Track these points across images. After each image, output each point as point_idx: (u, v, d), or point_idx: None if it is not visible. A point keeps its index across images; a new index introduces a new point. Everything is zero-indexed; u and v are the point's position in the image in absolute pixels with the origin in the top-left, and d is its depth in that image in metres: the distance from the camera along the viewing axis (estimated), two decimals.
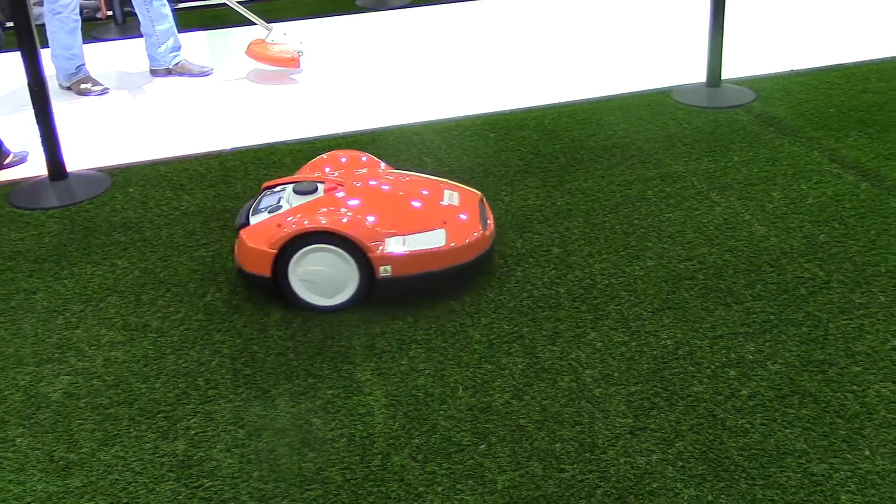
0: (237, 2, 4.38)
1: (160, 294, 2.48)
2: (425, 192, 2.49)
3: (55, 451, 1.91)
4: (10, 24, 3.22)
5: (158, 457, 1.88)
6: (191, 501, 1.77)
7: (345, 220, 2.29)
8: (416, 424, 1.94)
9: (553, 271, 2.49)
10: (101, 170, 3.28)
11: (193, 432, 1.95)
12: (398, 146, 3.37)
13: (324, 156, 2.73)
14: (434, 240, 2.33)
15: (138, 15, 4.26)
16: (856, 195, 2.82)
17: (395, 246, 2.30)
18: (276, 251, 2.28)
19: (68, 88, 4.15)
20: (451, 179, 2.66)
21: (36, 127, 3.08)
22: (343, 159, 2.69)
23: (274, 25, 4.39)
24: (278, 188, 2.54)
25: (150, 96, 4.14)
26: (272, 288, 2.34)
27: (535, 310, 2.32)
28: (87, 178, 3.20)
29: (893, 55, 4.07)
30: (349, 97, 3.98)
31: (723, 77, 3.72)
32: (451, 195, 2.49)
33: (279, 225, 2.31)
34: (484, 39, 4.77)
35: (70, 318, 2.39)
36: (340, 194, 2.42)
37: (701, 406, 1.95)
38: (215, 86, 4.23)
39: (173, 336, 2.29)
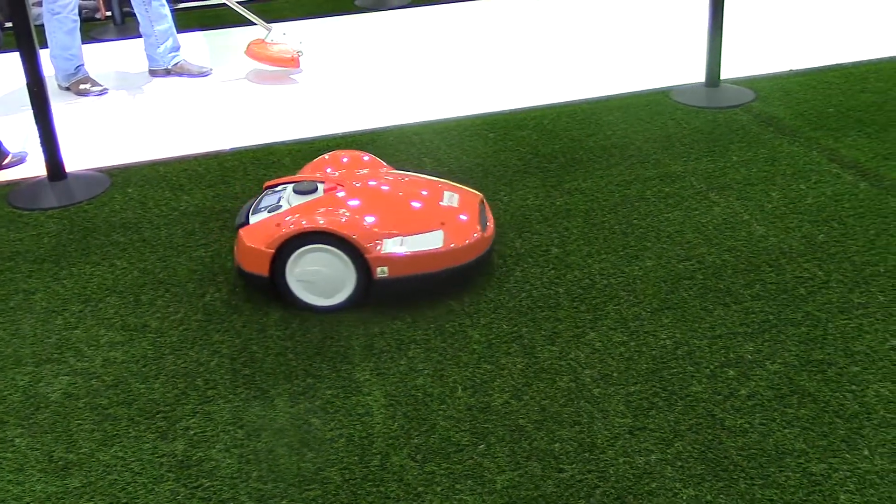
0: (237, 2, 4.38)
1: (159, 294, 2.48)
2: (425, 193, 2.49)
3: (54, 451, 1.91)
4: (9, 24, 3.22)
5: (157, 457, 1.88)
6: (190, 501, 1.77)
7: (342, 221, 2.29)
8: (415, 424, 1.94)
9: (552, 271, 2.49)
10: (100, 170, 3.28)
11: (192, 432, 1.95)
12: (397, 146, 3.37)
13: (326, 156, 2.73)
14: (432, 241, 2.33)
15: (137, 15, 4.26)
16: (854, 195, 2.82)
17: (393, 247, 2.30)
18: (273, 251, 2.28)
19: (67, 89, 4.15)
20: (450, 180, 2.66)
21: (35, 127, 3.08)
22: (345, 159, 2.68)
23: (273, 25, 4.39)
24: (279, 187, 2.54)
25: (149, 97, 4.14)
26: (270, 287, 2.34)
27: (534, 310, 2.32)
28: (86, 178, 3.20)
29: (892, 55, 4.08)
30: (348, 97, 3.98)
31: (722, 77, 3.72)
32: (452, 196, 2.49)
33: (277, 225, 2.31)
34: (483, 39, 4.77)
35: (69, 319, 2.39)
36: (340, 194, 2.42)
37: (700, 406, 1.95)
38: (214, 86, 4.23)
39: (172, 336, 2.29)
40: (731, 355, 2.11)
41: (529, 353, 2.15)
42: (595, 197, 2.90)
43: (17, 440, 1.95)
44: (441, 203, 2.44)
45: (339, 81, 4.19)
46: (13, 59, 3.17)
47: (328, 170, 2.62)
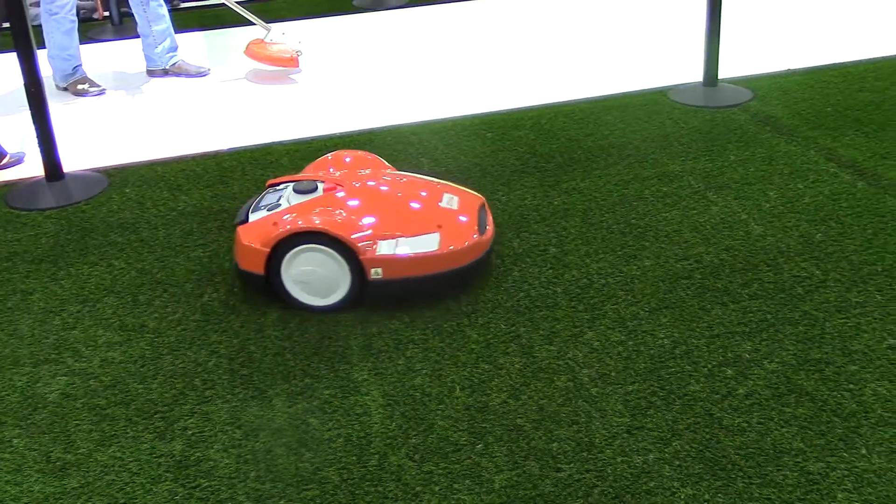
0: (236, 2, 4.38)
1: (157, 294, 2.47)
2: (424, 195, 2.48)
3: (52, 451, 1.91)
4: (7, 24, 3.21)
5: (155, 457, 1.88)
6: (188, 502, 1.76)
7: (337, 221, 2.28)
8: (413, 424, 1.94)
9: (550, 271, 2.49)
10: (97, 170, 3.28)
11: (190, 432, 1.95)
12: (395, 146, 3.37)
13: (328, 156, 2.73)
14: (428, 243, 2.31)
15: (135, 15, 4.26)
16: (852, 194, 2.83)
17: (388, 248, 2.29)
18: (269, 249, 2.28)
19: (65, 89, 4.15)
20: (448, 180, 2.66)
21: (32, 128, 3.08)
22: (347, 159, 2.68)
23: (272, 25, 4.39)
24: (281, 186, 2.54)
25: (147, 97, 4.14)
26: (266, 286, 2.34)
27: (532, 309, 2.32)
28: (83, 178, 3.20)
29: (889, 54, 4.08)
30: (347, 97, 3.98)
31: (719, 76, 3.72)
32: (451, 198, 2.48)
33: (274, 223, 2.31)
34: (481, 39, 4.77)
35: (67, 319, 2.39)
36: (339, 194, 2.41)
37: (698, 405, 1.95)
38: (213, 86, 4.23)
39: (170, 336, 2.29)
40: (729, 354, 2.11)
41: (527, 353, 2.15)
42: (593, 196, 2.90)
43: (15, 441, 1.95)
44: (440, 205, 2.43)
45: (337, 81, 4.20)
46: (11, 60, 3.17)
47: (331, 170, 2.62)
